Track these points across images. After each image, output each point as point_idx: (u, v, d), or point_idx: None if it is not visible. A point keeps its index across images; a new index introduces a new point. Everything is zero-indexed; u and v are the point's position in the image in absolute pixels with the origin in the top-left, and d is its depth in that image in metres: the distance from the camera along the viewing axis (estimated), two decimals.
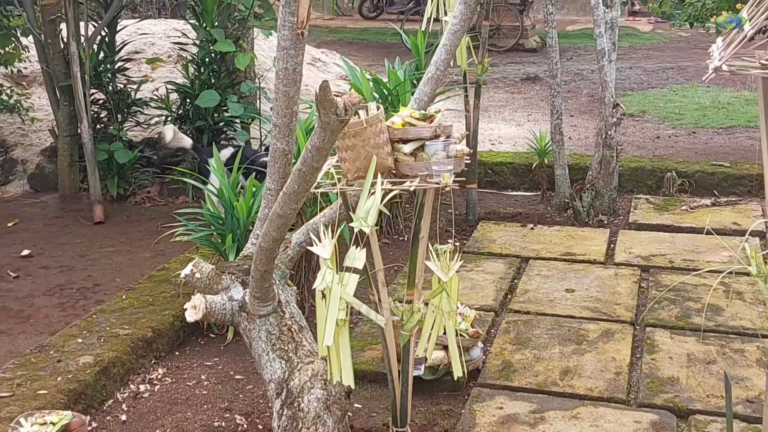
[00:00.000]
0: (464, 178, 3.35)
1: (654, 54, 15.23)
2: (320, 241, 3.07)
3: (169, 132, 6.63)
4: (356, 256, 3.02)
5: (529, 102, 11.30)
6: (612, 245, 5.94)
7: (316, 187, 3.26)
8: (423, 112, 3.42)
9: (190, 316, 3.54)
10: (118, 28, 7.83)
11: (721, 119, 9.72)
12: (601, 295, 5.10)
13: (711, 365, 4.26)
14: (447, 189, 3.16)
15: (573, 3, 19.14)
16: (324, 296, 3.02)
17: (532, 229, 6.28)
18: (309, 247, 3.23)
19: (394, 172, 3.26)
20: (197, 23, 7.34)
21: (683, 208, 6.57)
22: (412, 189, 3.14)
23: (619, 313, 4.87)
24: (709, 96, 10.90)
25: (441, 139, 3.27)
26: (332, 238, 3.06)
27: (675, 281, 5.21)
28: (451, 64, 5.80)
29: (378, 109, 3.22)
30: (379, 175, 3.11)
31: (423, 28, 5.82)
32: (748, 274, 3.09)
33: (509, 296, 5.17)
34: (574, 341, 4.55)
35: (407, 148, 3.25)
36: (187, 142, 6.63)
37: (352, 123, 3.08)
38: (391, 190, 3.18)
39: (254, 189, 4.71)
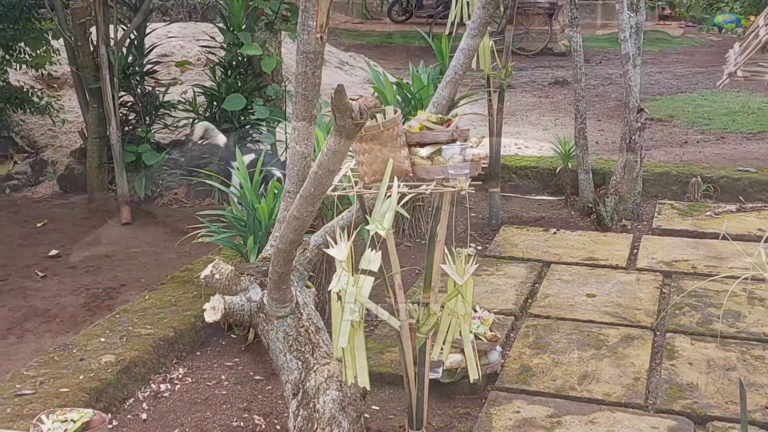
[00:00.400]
0: (480, 182, 3.36)
1: (684, 58, 15.14)
2: (336, 243, 3.10)
3: (199, 129, 6.74)
4: (372, 259, 3.04)
5: (557, 106, 11.28)
6: (635, 250, 5.92)
7: (333, 190, 3.29)
8: (440, 115, 3.44)
9: (209, 316, 3.59)
10: (148, 31, 7.93)
11: (751, 124, 9.65)
12: (622, 300, 5.09)
13: (731, 372, 4.23)
14: (463, 193, 3.18)
15: (603, 7, 19.07)
16: (339, 298, 3.04)
17: (555, 233, 6.28)
18: (325, 250, 3.26)
19: (411, 175, 3.28)
20: (224, 27, 7.42)
21: (708, 213, 6.54)
22: (427, 193, 3.16)
23: (640, 318, 4.86)
24: (739, 101, 10.82)
25: (458, 143, 3.29)
26: (348, 240, 3.08)
27: (697, 287, 5.18)
28: (476, 68, 5.83)
29: (395, 113, 3.24)
30: (396, 179, 3.13)
31: (447, 32, 5.83)
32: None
33: (530, 300, 5.17)
34: (593, 346, 4.54)
35: (424, 151, 3.27)
36: (221, 139, 6.72)
37: (368, 126, 3.11)
38: (407, 194, 3.21)
39: (276, 191, 4.75)
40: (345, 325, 3.01)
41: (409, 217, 6.03)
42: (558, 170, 7.10)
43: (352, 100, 2.79)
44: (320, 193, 3.07)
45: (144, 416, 4.04)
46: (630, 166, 6.41)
